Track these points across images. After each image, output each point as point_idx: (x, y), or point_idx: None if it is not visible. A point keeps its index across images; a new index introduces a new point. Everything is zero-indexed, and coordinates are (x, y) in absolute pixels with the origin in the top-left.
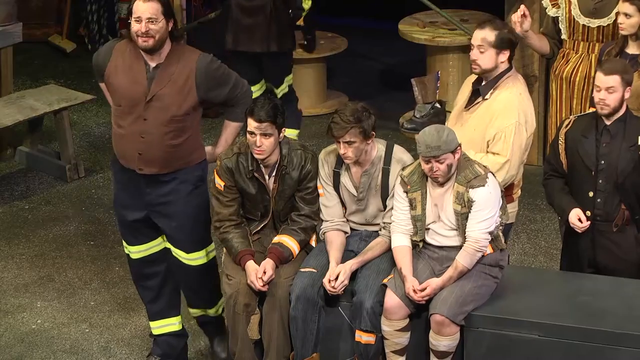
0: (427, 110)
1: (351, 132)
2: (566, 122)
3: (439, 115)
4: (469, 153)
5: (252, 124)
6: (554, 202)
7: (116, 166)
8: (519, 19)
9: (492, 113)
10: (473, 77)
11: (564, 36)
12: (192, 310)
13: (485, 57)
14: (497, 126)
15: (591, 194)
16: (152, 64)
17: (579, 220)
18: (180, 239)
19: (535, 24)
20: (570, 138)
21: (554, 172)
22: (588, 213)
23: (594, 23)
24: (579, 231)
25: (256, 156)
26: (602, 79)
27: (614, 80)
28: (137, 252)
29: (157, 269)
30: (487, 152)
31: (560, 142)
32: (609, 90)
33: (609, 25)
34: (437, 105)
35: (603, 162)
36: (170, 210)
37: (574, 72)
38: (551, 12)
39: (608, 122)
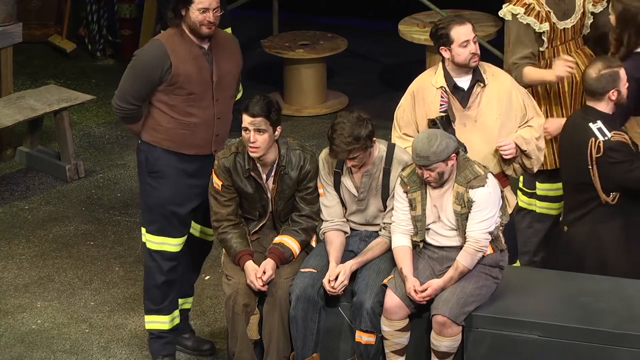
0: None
1: (354, 152)
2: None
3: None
4: (523, 134)
5: (246, 120)
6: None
7: (170, 161)
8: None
9: (507, 89)
10: (431, 83)
11: (542, 48)
12: (189, 301)
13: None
14: (519, 95)
15: None
16: (206, 47)
17: None
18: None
19: None
20: (601, 162)
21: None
22: None
23: (569, 23)
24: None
25: (250, 153)
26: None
27: None
28: (179, 244)
29: (181, 259)
30: (523, 124)
31: (592, 169)
32: None
33: (577, 20)
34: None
35: None
36: None
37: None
38: (542, 27)
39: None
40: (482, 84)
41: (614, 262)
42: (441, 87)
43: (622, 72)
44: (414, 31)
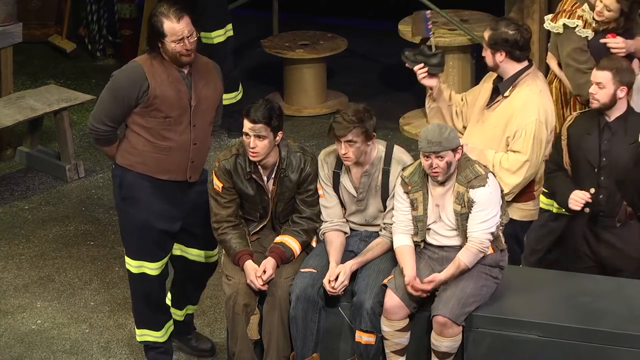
0: (417, 49)
1: (353, 132)
2: (569, 118)
3: (431, 59)
4: (487, 153)
5: (246, 125)
6: (556, 191)
7: (144, 185)
8: None
9: (512, 110)
10: (494, 74)
11: None
12: (191, 307)
13: (487, 55)
14: (518, 123)
15: (593, 190)
16: (185, 72)
17: (585, 196)
18: (204, 237)
19: (534, 25)
20: (573, 134)
21: (557, 168)
22: (588, 196)
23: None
24: (578, 207)
25: (250, 158)
26: (594, 73)
27: (604, 76)
28: (157, 267)
29: (164, 280)
30: (508, 150)
31: (562, 138)
32: (599, 86)
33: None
34: (434, 50)
35: (605, 159)
36: (203, 211)
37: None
38: (589, 32)
39: (609, 119)
40: (501, 95)
41: None
42: (493, 80)
43: (594, 71)
44: None
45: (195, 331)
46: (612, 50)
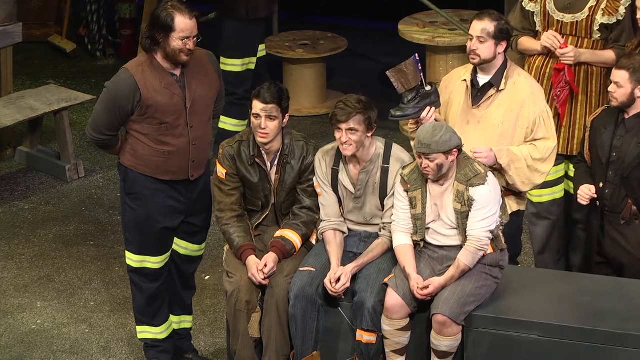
0: (412, 94)
1: (356, 119)
2: (597, 111)
3: (430, 97)
4: (514, 150)
5: (257, 106)
6: (575, 182)
7: (147, 183)
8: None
9: (520, 100)
10: (459, 74)
11: (538, 28)
12: (188, 319)
13: (485, 48)
14: (533, 111)
15: (601, 184)
16: (177, 73)
17: (589, 191)
18: (202, 229)
19: None
20: (594, 126)
21: (581, 159)
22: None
23: (568, 18)
24: (584, 201)
25: (259, 139)
26: (613, 72)
27: (621, 75)
28: (160, 261)
29: (164, 273)
30: (529, 141)
31: (587, 129)
32: (617, 84)
33: (582, 20)
34: (428, 87)
35: (615, 154)
36: (205, 204)
37: (544, 64)
38: (529, 6)
39: (626, 116)
40: (495, 88)
41: None
42: (464, 80)
43: (613, 69)
44: (414, 31)
45: (195, 352)
46: (561, 59)
